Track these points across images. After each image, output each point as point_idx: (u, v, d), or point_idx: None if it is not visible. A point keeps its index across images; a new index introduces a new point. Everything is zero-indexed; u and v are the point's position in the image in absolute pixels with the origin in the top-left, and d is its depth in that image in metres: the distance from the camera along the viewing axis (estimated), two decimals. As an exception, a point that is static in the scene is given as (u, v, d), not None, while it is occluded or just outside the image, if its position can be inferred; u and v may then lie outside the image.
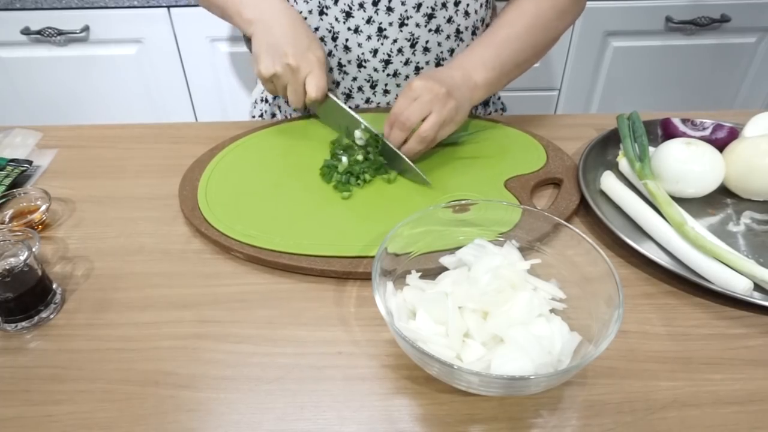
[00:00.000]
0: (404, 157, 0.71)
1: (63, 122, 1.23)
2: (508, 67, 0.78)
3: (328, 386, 0.50)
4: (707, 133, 0.74)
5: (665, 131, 0.77)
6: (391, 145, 0.72)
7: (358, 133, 0.75)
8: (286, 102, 0.85)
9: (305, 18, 0.82)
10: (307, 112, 0.83)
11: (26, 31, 1.37)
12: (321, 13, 0.81)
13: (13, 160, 0.77)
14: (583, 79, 1.54)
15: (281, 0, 0.79)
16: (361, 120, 0.75)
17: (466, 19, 0.84)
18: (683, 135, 0.74)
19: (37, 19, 1.36)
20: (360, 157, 0.72)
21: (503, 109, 1.04)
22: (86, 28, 1.38)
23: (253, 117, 1.01)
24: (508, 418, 0.47)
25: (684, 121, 0.77)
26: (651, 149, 0.71)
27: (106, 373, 0.51)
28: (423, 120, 0.71)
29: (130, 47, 1.43)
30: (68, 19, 1.36)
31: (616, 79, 1.54)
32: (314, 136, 0.81)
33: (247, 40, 0.82)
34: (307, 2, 0.81)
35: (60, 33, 1.37)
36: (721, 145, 0.69)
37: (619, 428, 0.46)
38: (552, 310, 0.50)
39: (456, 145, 0.78)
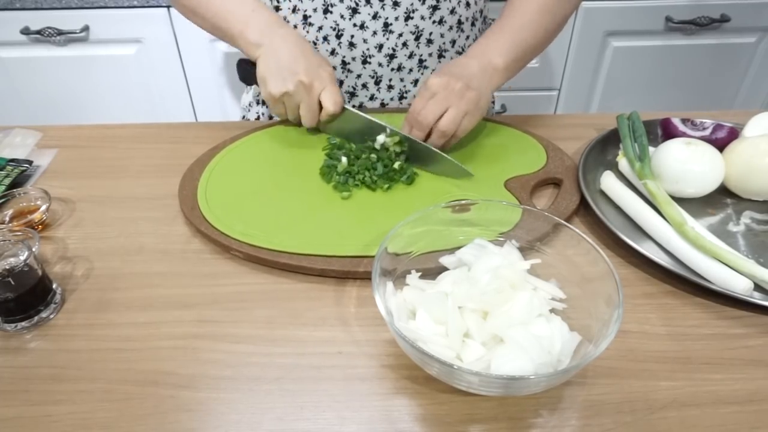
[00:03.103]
0: (437, 150, 0.72)
1: (63, 122, 1.22)
2: (524, 51, 0.79)
3: (328, 386, 0.49)
4: (707, 133, 0.74)
5: (665, 131, 0.77)
6: (423, 143, 0.72)
7: (381, 138, 0.73)
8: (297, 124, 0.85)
9: (309, 16, 0.82)
10: (317, 131, 0.82)
11: (26, 31, 1.37)
12: (326, 11, 0.81)
13: (13, 160, 0.77)
14: (583, 79, 1.54)
15: (284, 23, 0.79)
16: (384, 124, 0.74)
17: (467, 9, 0.85)
18: (683, 135, 0.74)
19: (37, 19, 1.36)
20: (380, 168, 0.70)
21: (499, 109, 1.04)
22: (86, 28, 1.38)
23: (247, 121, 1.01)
24: (508, 418, 0.47)
25: (684, 121, 0.77)
26: (651, 149, 0.71)
27: (105, 373, 0.51)
28: (442, 116, 0.71)
29: (130, 47, 1.43)
30: (68, 19, 1.36)
31: (616, 79, 1.54)
32: (314, 136, 0.81)
33: (241, 66, 0.81)
34: (312, 0, 0.81)
35: (60, 33, 1.37)
36: (721, 145, 0.69)
37: (619, 428, 0.46)
38: (552, 310, 0.50)
39: (456, 145, 0.78)
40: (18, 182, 0.74)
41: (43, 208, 0.67)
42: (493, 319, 0.48)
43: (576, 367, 0.43)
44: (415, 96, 0.89)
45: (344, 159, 0.71)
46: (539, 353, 0.45)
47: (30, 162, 0.77)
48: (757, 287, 0.56)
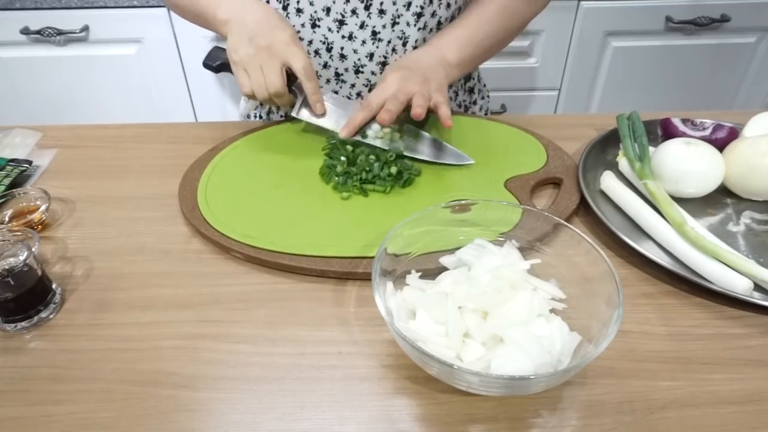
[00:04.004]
0: (430, 135, 0.72)
1: (63, 122, 1.22)
2: (480, 48, 0.82)
3: (328, 386, 0.49)
4: (707, 133, 0.74)
5: (665, 131, 0.77)
6: (422, 131, 0.72)
7: (376, 127, 0.74)
8: (271, 108, 0.85)
9: (299, 32, 0.82)
10: (320, 130, 0.80)
11: (26, 31, 1.37)
12: (314, 25, 0.81)
13: (12, 160, 0.77)
14: (583, 79, 1.54)
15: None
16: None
17: (447, 11, 0.85)
18: (683, 135, 0.74)
19: (37, 19, 1.36)
20: (375, 169, 0.70)
21: (499, 109, 1.04)
22: (86, 28, 1.38)
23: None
24: (508, 418, 0.47)
25: (684, 121, 0.77)
26: (651, 149, 0.71)
27: (106, 373, 0.51)
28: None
29: (130, 47, 1.43)
30: (68, 19, 1.36)
31: (616, 79, 1.54)
32: (314, 136, 0.81)
33: (212, 51, 0.80)
34: (300, 16, 0.81)
35: (60, 33, 1.37)
36: (721, 145, 0.69)
37: (619, 428, 0.46)
38: (552, 310, 0.50)
39: (456, 145, 0.78)
40: (18, 182, 0.74)
41: (43, 208, 0.67)
42: (493, 319, 0.48)
43: (576, 367, 0.43)
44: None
45: (343, 158, 0.71)
46: (539, 353, 0.45)
47: (30, 162, 0.77)
48: (757, 287, 0.56)
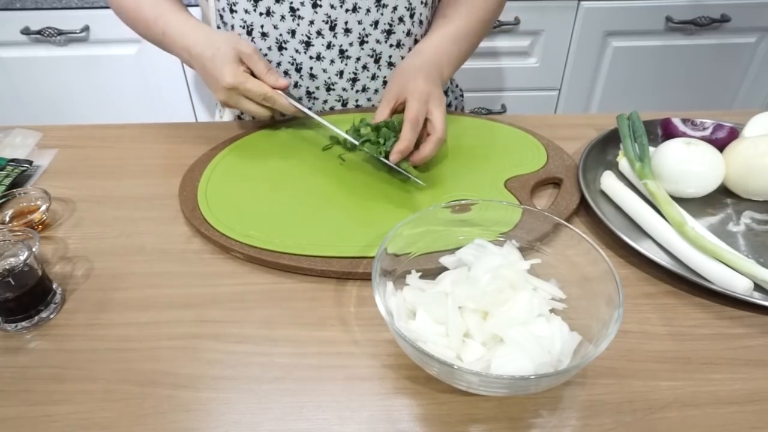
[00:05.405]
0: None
1: (63, 122, 1.22)
2: (463, 59, 0.84)
3: (328, 386, 0.49)
4: (707, 133, 0.74)
5: (665, 131, 0.77)
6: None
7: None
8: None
9: (265, 54, 0.82)
10: (282, 117, 0.81)
11: (26, 31, 1.37)
12: (280, 48, 0.82)
13: (13, 160, 0.77)
14: (583, 79, 1.54)
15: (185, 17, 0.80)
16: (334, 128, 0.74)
17: (421, 27, 0.86)
18: (683, 135, 0.74)
19: (37, 19, 1.36)
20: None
21: (500, 109, 1.04)
22: (86, 28, 1.38)
23: (221, 118, 0.99)
24: (508, 418, 0.47)
25: (684, 121, 0.77)
26: (651, 149, 0.71)
27: (105, 373, 0.51)
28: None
29: (130, 47, 1.43)
30: (68, 19, 1.36)
31: (616, 79, 1.54)
32: (314, 136, 0.81)
33: None
34: (265, 39, 0.81)
35: (60, 33, 1.37)
36: (721, 145, 0.69)
37: (619, 428, 0.46)
38: (552, 310, 0.50)
39: (456, 145, 0.78)
40: (18, 182, 0.74)
41: (43, 208, 0.67)
42: (493, 319, 0.48)
43: (576, 367, 0.43)
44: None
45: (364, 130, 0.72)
46: (539, 353, 0.45)
47: (30, 162, 0.77)
48: (757, 287, 0.56)
